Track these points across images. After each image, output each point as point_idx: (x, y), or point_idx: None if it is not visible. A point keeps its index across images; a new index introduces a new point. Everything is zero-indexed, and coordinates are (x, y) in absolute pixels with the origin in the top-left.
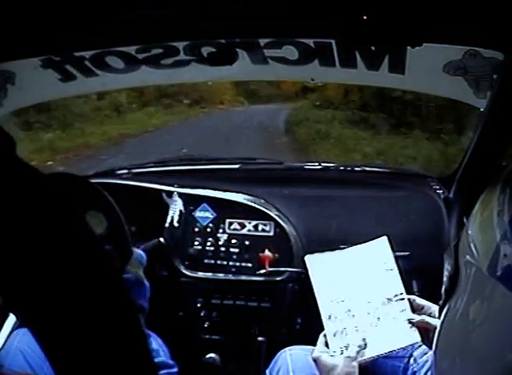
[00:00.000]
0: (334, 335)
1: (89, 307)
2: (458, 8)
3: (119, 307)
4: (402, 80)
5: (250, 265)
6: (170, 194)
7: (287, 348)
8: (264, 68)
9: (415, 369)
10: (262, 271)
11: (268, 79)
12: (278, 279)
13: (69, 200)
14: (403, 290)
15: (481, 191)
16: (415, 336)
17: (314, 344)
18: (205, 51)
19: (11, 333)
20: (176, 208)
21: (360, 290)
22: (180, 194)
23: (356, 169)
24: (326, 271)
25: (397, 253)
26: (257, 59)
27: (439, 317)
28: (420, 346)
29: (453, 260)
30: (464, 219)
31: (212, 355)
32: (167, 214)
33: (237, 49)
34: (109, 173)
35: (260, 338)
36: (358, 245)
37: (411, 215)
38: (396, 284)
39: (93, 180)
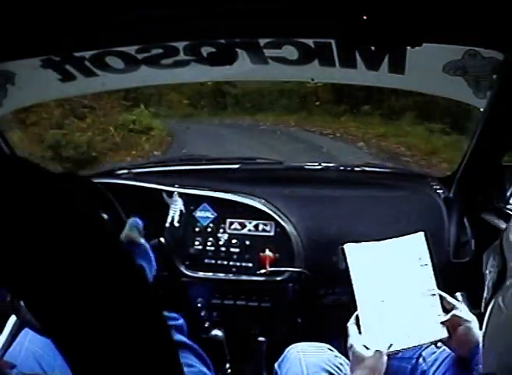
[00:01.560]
0: (367, 324)
1: (102, 303)
2: (458, 8)
3: (133, 300)
4: (402, 80)
5: (250, 265)
6: (170, 194)
7: (298, 344)
8: (264, 68)
9: (424, 368)
10: (263, 271)
11: (268, 79)
12: (278, 279)
13: (71, 199)
14: (435, 286)
15: (481, 191)
16: (443, 332)
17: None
18: (205, 51)
19: (19, 332)
20: (177, 208)
21: (394, 282)
22: (181, 194)
23: (356, 169)
24: (364, 261)
25: None
26: (257, 59)
27: (485, 311)
28: (429, 346)
29: (499, 256)
30: (465, 220)
31: (217, 331)
32: (167, 214)
33: (237, 49)
34: (109, 173)
35: (260, 338)
36: (395, 238)
37: (411, 215)
38: (429, 280)
39: (93, 180)
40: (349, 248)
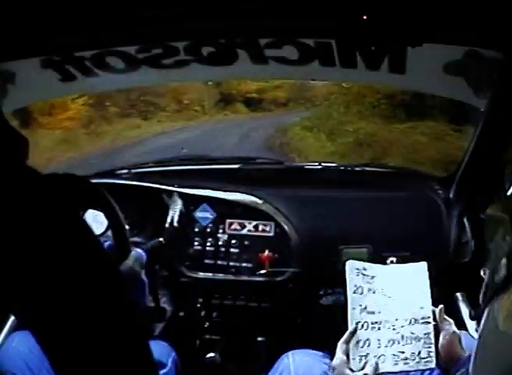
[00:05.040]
0: (357, 343)
1: (87, 305)
2: (458, 8)
3: (116, 305)
4: (402, 80)
5: (250, 265)
6: (170, 194)
7: (290, 352)
8: (264, 68)
9: None
10: (262, 271)
11: (268, 79)
12: (278, 279)
13: (69, 199)
14: (431, 314)
15: (481, 191)
16: (432, 362)
17: (313, 344)
18: (205, 51)
19: (9, 334)
20: (176, 208)
21: (390, 305)
22: (180, 195)
23: (356, 169)
24: (363, 279)
25: (397, 253)
26: (257, 59)
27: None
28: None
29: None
30: (465, 220)
31: (212, 354)
32: (167, 214)
33: (237, 49)
34: (109, 173)
35: (260, 338)
36: (398, 265)
37: (411, 215)
38: (426, 308)
39: (93, 180)
40: (351, 265)
